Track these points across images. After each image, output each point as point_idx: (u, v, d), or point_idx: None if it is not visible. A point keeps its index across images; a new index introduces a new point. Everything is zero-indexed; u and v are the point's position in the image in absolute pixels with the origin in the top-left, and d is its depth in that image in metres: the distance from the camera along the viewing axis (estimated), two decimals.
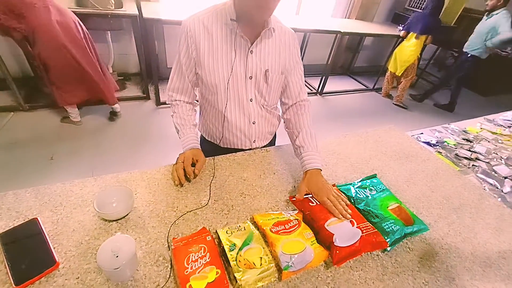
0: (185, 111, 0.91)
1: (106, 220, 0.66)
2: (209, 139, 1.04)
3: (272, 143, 1.11)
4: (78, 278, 0.54)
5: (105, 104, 2.35)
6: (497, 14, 2.97)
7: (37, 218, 0.62)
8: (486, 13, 3.12)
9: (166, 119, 2.64)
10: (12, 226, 0.61)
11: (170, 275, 0.57)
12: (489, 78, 4.66)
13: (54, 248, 0.58)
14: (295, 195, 0.80)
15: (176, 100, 0.92)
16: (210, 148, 1.02)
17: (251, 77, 0.85)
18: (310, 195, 0.80)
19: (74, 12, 2.10)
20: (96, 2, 2.26)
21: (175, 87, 0.90)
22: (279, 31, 0.86)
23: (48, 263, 0.54)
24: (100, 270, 0.56)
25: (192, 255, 0.57)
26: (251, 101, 0.90)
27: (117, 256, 0.52)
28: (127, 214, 0.68)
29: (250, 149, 1.01)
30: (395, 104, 3.81)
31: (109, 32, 2.58)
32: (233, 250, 0.60)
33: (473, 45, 3.23)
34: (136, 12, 2.29)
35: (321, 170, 0.83)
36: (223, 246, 0.61)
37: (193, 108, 0.95)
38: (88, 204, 0.69)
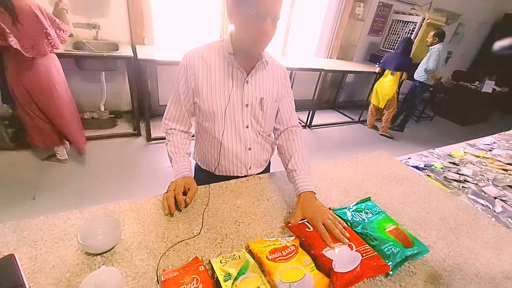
0: (179, 139, 0.92)
1: (90, 254, 0.61)
2: (204, 168, 1.04)
3: (266, 170, 1.11)
4: None
5: (90, 141, 2.32)
6: (433, 48, 3.65)
7: (13, 254, 0.57)
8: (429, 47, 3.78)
9: (157, 154, 2.62)
10: None
11: None
12: (465, 109, 5.01)
13: (30, 287, 0.52)
14: (291, 221, 0.78)
15: (171, 129, 0.93)
16: (205, 176, 1.02)
17: (247, 105, 0.89)
18: (307, 220, 0.77)
19: (71, 54, 2.21)
20: (93, 46, 2.39)
21: (171, 116, 0.92)
22: (272, 64, 0.93)
23: None
24: None
25: (184, 287, 0.52)
26: (247, 127, 0.93)
27: None
28: (113, 247, 0.63)
29: (246, 175, 1.00)
30: (382, 135, 3.99)
31: (103, 72, 2.68)
32: (227, 280, 0.56)
33: (419, 73, 3.84)
34: (131, 54, 2.42)
35: (315, 193, 0.83)
36: (217, 277, 0.57)
37: (188, 137, 0.96)
38: (71, 237, 0.65)
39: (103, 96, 2.83)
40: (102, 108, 2.89)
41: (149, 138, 2.78)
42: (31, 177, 2.04)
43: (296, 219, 0.76)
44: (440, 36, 3.59)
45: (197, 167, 1.07)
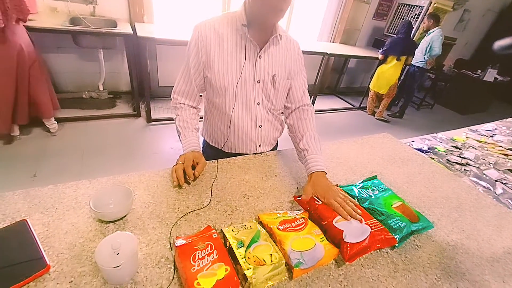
0: (188, 114, 0.90)
1: (102, 222, 0.61)
2: (213, 144, 1.03)
3: (274, 149, 1.11)
4: (72, 282, 0.49)
5: (89, 121, 2.24)
6: (432, 32, 3.59)
7: (26, 220, 0.57)
8: (426, 32, 3.72)
9: (157, 135, 2.61)
10: None
11: (173, 277, 0.52)
12: (466, 98, 5.00)
13: (44, 250, 0.53)
14: (301, 195, 0.78)
15: (180, 103, 0.91)
16: (214, 153, 1.01)
17: (259, 81, 0.87)
18: (316, 195, 0.78)
19: (68, 30, 2.13)
20: (90, 22, 2.30)
21: (180, 90, 0.90)
22: (285, 39, 0.90)
23: (38, 266, 0.49)
24: (96, 273, 0.51)
25: (199, 252, 0.53)
26: (258, 104, 0.91)
27: (117, 254, 0.47)
28: (125, 216, 0.64)
29: (255, 153, 1.00)
30: (378, 119, 4.02)
31: (101, 50, 2.60)
32: (240, 247, 0.57)
33: (417, 58, 3.74)
34: (130, 31, 2.34)
35: (326, 173, 0.83)
36: (229, 245, 0.58)
37: (196, 112, 0.94)
38: (82, 206, 0.65)
39: (102, 76, 2.76)
40: (101, 88, 2.83)
41: (149, 119, 2.74)
42: (31, 155, 2.02)
43: (308, 196, 0.76)
44: (436, 18, 3.55)
45: (206, 144, 1.06)
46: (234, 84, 0.85)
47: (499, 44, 3.21)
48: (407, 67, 3.93)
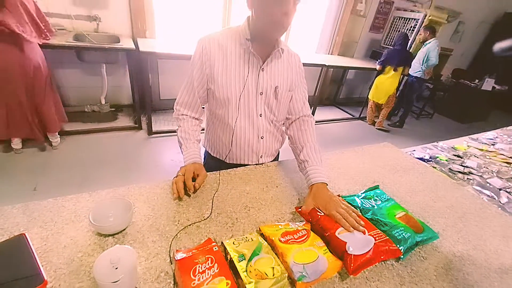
0: (190, 126, 0.91)
1: (101, 235, 0.60)
2: (215, 155, 1.03)
3: (275, 160, 1.11)
4: None
5: (91, 134, 2.25)
6: (429, 43, 3.67)
7: (24, 234, 0.56)
8: (423, 43, 3.80)
9: (158, 147, 2.61)
10: None
11: None
12: (465, 107, 5.03)
13: (42, 265, 0.51)
14: (302, 206, 0.77)
15: (182, 115, 0.92)
16: (216, 164, 1.01)
17: (261, 93, 0.89)
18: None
19: (71, 46, 2.18)
20: (93, 38, 2.37)
21: (183, 101, 0.91)
22: (287, 52, 0.93)
23: (35, 282, 0.48)
24: None
25: (199, 266, 0.52)
26: (260, 116, 0.92)
27: (116, 268, 0.46)
28: (125, 229, 0.63)
29: (257, 164, 1.00)
30: (378, 129, 4.03)
31: (104, 65, 2.65)
32: (242, 260, 0.56)
33: (415, 68, 3.82)
34: (132, 46, 2.40)
35: (327, 184, 0.82)
36: (230, 258, 0.57)
37: (198, 124, 0.95)
38: (81, 219, 0.64)
39: (104, 89, 2.80)
40: (103, 101, 2.86)
41: (150, 132, 2.76)
42: (32, 168, 2.02)
43: (308, 207, 0.75)
44: (432, 30, 3.65)
45: (208, 155, 1.07)
46: (237, 96, 0.87)
47: (499, 46, 3.28)
48: (406, 77, 4.00)
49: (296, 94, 0.97)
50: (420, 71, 3.80)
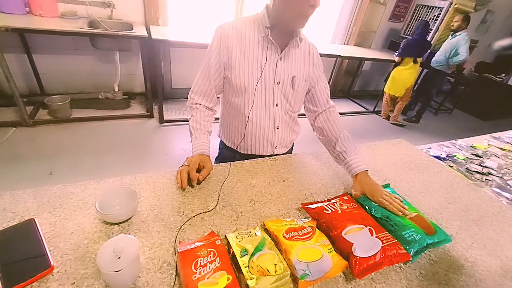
0: (203, 116, 0.90)
1: (107, 223, 0.61)
2: (229, 145, 1.03)
3: (289, 152, 1.10)
4: (74, 283, 0.49)
5: (104, 121, 2.26)
6: (460, 35, 3.32)
7: (33, 219, 0.58)
8: (451, 33, 3.45)
9: (169, 136, 2.64)
10: (7, 227, 0.56)
11: (175, 283, 0.51)
12: (488, 103, 4.77)
13: (50, 251, 0.53)
14: (310, 203, 0.76)
15: (196, 104, 0.91)
16: (230, 155, 1.02)
17: (278, 83, 0.88)
18: (325, 203, 0.75)
19: (87, 32, 2.19)
20: (107, 25, 2.37)
21: (198, 90, 0.90)
22: (304, 42, 0.91)
23: (42, 267, 0.49)
24: (98, 276, 0.50)
25: (201, 259, 0.52)
26: (276, 106, 0.91)
27: (119, 258, 0.47)
28: (130, 218, 0.64)
29: (271, 155, 0.99)
30: (393, 123, 3.88)
31: (117, 52, 2.67)
32: (244, 256, 0.55)
33: (439, 61, 3.54)
34: (145, 34, 2.39)
35: (368, 171, 0.85)
36: (233, 252, 0.56)
37: (211, 114, 0.94)
38: (89, 206, 0.65)
39: (117, 77, 2.83)
40: (116, 89, 2.90)
41: (161, 120, 2.78)
42: (48, 153, 2.10)
43: (358, 194, 0.81)
44: (468, 20, 3.31)
45: (223, 145, 1.06)
46: (254, 84, 0.86)
47: (499, 44, 3.01)
48: (425, 70, 3.79)
49: (320, 86, 0.96)
50: (443, 64, 3.51)
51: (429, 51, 3.50)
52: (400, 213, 0.73)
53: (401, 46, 3.47)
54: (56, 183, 0.69)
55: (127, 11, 2.68)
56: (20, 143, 2.16)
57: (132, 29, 2.47)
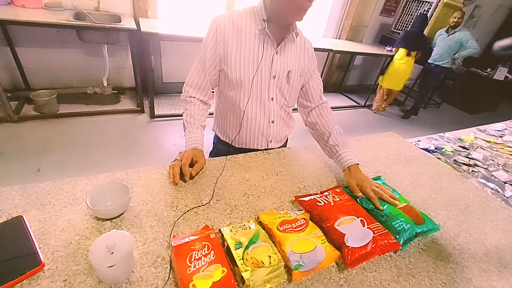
0: (197, 110, 0.89)
1: (99, 219, 0.60)
2: (224, 139, 1.03)
3: (284, 146, 1.10)
4: (66, 280, 0.48)
5: (93, 116, 2.25)
6: (460, 31, 3.37)
7: (22, 216, 0.56)
8: (447, 29, 3.48)
9: (160, 131, 2.60)
10: None
11: (169, 277, 0.51)
12: (474, 97, 4.88)
13: (39, 248, 0.52)
14: (304, 195, 0.77)
15: (191, 97, 0.90)
16: (225, 149, 1.02)
17: (274, 77, 0.88)
18: (318, 196, 0.76)
19: (73, 25, 2.12)
20: (94, 17, 2.30)
21: (193, 83, 0.89)
22: (300, 37, 0.91)
23: (32, 264, 0.48)
24: (91, 272, 0.50)
25: (195, 253, 0.52)
26: (272, 100, 0.91)
27: (112, 253, 0.46)
28: (123, 213, 0.63)
29: (266, 149, 1.00)
30: (376, 113, 4.01)
31: (105, 45, 2.60)
32: (239, 248, 0.55)
33: (442, 58, 3.57)
34: (134, 26, 2.33)
35: (358, 164, 0.86)
36: (227, 245, 0.57)
37: (205, 108, 0.93)
38: (79, 202, 0.64)
39: (106, 71, 2.76)
40: (105, 84, 2.83)
41: (152, 115, 2.74)
42: (35, 150, 2.04)
43: (356, 189, 0.80)
44: (463, 16, 3.37)
45: (217, 140, 1.06)
46: (250, 78, 0.85)
47: (499, 44, 3.09)
48: (426, 65, 3.80)
49: (313, 82, 0.97)
50: (448, 61, 3.54)
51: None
52: (392, 200, 0.76)
53: (399, 37, 3.49)
54: (44, 180, 0.67)
55: (115, 2, 2.60)
56: (5, 140, 2.09)
57: (120, 22, 2.41)
